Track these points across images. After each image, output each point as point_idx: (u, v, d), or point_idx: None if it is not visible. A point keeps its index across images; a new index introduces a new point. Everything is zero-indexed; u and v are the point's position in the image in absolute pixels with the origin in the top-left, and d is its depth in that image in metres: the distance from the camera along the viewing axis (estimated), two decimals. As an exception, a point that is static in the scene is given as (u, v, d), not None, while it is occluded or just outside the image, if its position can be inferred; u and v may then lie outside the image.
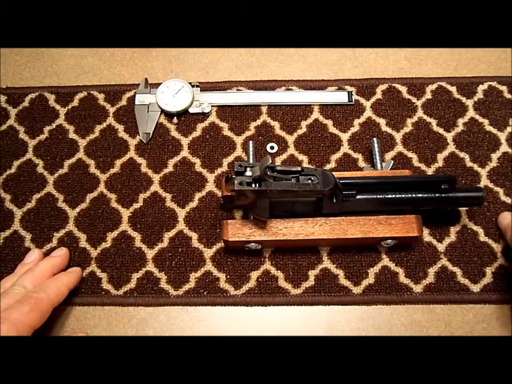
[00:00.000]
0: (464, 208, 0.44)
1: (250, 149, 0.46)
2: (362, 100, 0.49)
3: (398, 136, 0.48)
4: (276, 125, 0.49)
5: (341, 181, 0.39)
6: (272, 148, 0.48)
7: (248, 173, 0.37)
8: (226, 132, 0.48)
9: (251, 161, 0.45)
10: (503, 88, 0.49)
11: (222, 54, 0.53)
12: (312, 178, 0.37)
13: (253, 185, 0.36)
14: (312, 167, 0.43)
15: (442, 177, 0.42)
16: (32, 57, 0.53)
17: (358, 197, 0.39)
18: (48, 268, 0.40)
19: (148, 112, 0.49)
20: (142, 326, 0.41)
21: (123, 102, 0.50)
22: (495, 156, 0.47)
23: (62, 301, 0.38)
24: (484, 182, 0.46)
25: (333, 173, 0.38)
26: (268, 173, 0.36)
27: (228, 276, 0.43)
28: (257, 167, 0.36)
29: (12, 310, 0.34)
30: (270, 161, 0.34)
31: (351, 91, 0.50)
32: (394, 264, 0.43)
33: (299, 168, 0.37)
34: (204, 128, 0.49)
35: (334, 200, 0.38)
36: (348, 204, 0.39)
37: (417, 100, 0.49)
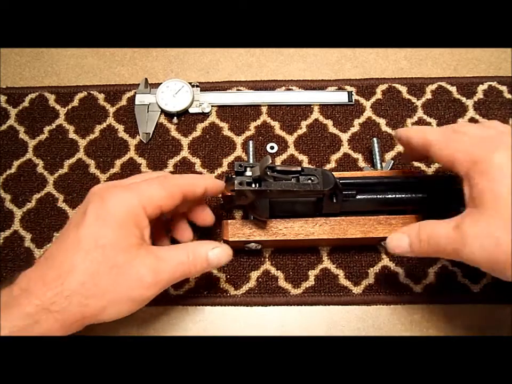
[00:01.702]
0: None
1: (250, 149, 0.46)
2: (362, 100, 0.49)
3: (398, 136, 0.48)
4: (276, 125, 0.49)
5: (341, 181, 0.39)
6: (272, 147, 0.48)
7: (248, 173, 0.37)
8: (226, 132, 0.48)
9: (251, 161, 0.45)
10: (503, 88, 0.49)
11: (222, 54, 0.53)
12: (312, 178, 0.37)
13: (253, 185, 0.36)
14: (312, 167, 0.43)
15: (442, 177, 0.42)
16: (32, 57, 0.53)
17: (358, 197, 0.39)
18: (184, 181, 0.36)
19: (147, 112, 0.49)
20: (142, 326, 0.41)
21: (123, 102, 0.50)
22: (495, 156, 0.46)
23: (196, 201, 0.37)
24: (484, 182, 0.45)
25: (333, 173, 0.38)
26: (268, 173, 0.36)
27: (228, 276, 0.43)
28: (257, 167, 0.36)
29: (141, 183, 0.33)
30: (270, 161, 0.34)
31: (351, 91, 0.50)
32: (394, 264, 0.43)
33: (299, 168, 0.37)
34: (204, 128, 0.49)
35: (334, 200, 0.38)
36: (347, 203, 0.39)
37: (417, 99, 0.49)
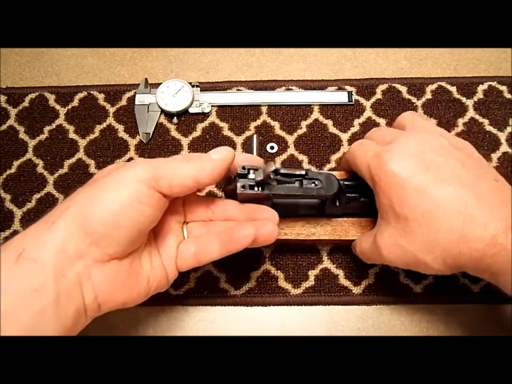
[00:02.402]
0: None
1: (254, 144, 0.44)
2: (362, 100, 0.49)
3: (398, 136, 0.48)
4: (276, 125, 0.49)
5: (344, 183, 0.38)
6: (272, 147, 0.48)
7: (251, 175, 0.36)
8: (226, 132, 0.48)
9: (255, 154, 0.44)
10: (503, 88, 0.49)
11: (222, 54, 0.53)
12: (316, 183, 0.36)
13: (256, 189, 0.35)
14: (316, 170, 0.43)
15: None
16: (32, 57, 0.53)
17: (361, 199, 0.39)
18: None
19: (147, 112, 0.49)
20: (142, 326, 0.41)
21: (123, 102, 0.50)
22: (495, 156, 0.47)
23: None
24: (484, 182, 0.45)
25: (335, 173, 0.38)
26: (271, 176, 0.35)
27: (228, 276, 0.43)
28: (261, 171, 0.35)
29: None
30: (274, 168, 0.33)
31: (351, 91, 0.50)
32: (394, 264, 0.43)
33: (303, 172, 0.36)
34: (204, 128, 0.49)
35: (337, 204, 0.38)
36: (350, 205, 0.39)
37: (417, 99, 0.49)
